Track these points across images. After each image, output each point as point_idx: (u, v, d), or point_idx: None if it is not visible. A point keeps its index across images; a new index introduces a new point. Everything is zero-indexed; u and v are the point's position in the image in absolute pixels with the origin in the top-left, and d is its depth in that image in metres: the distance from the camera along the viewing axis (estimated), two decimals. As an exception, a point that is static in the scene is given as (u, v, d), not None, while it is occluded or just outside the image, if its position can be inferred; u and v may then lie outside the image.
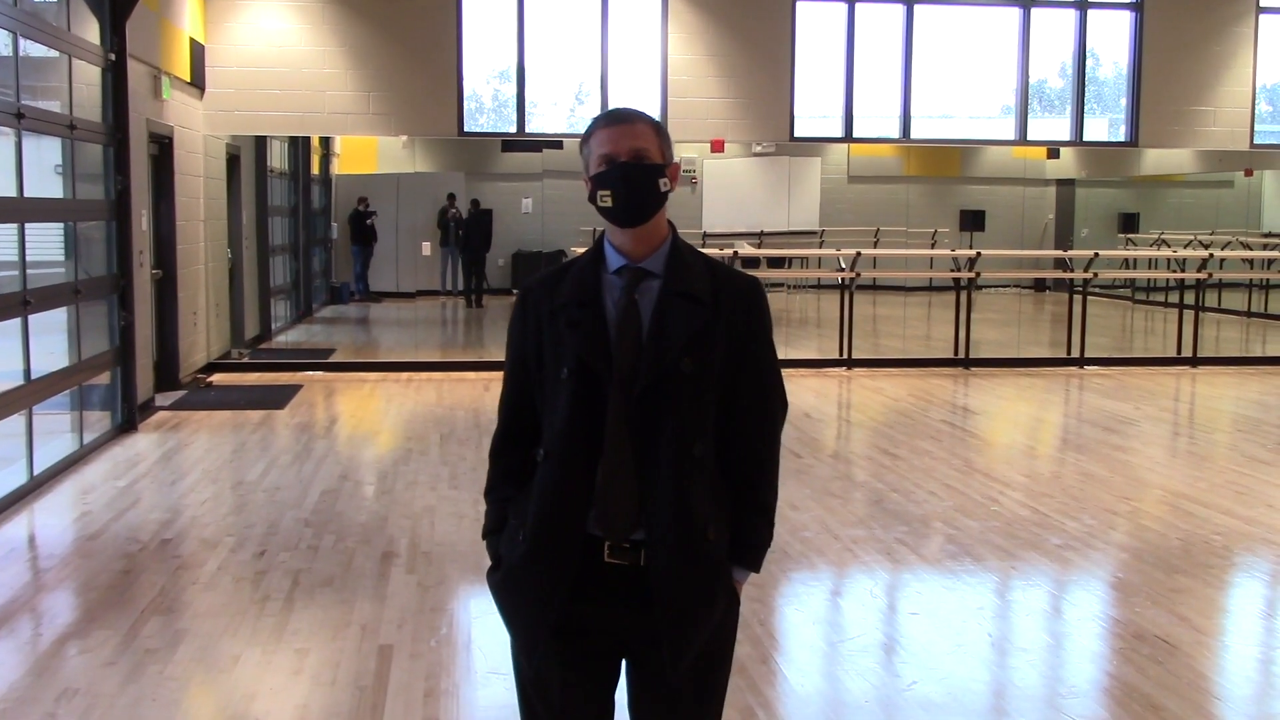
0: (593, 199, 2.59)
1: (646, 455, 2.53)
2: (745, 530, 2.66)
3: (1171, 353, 13.83)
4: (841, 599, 5.79)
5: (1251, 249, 17.44)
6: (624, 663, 2.69)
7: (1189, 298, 14.54)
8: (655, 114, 2.26)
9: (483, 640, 4.98)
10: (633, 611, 2.57)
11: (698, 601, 2.58)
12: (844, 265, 13.42)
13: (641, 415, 2.52)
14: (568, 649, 2.60)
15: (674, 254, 2.61)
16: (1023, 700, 4.53)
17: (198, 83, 12.10)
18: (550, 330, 2.59)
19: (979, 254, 13.76)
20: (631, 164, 2.56)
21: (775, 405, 2.71)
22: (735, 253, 13.75)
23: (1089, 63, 14.60)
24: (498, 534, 2.71)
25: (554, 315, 2.58)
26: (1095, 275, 14.13)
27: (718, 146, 13.92)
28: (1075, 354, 13.39)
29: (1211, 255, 14.76)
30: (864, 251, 13.97)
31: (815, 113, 14.18)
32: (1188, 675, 4.70)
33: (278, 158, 15.70)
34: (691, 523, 2.54)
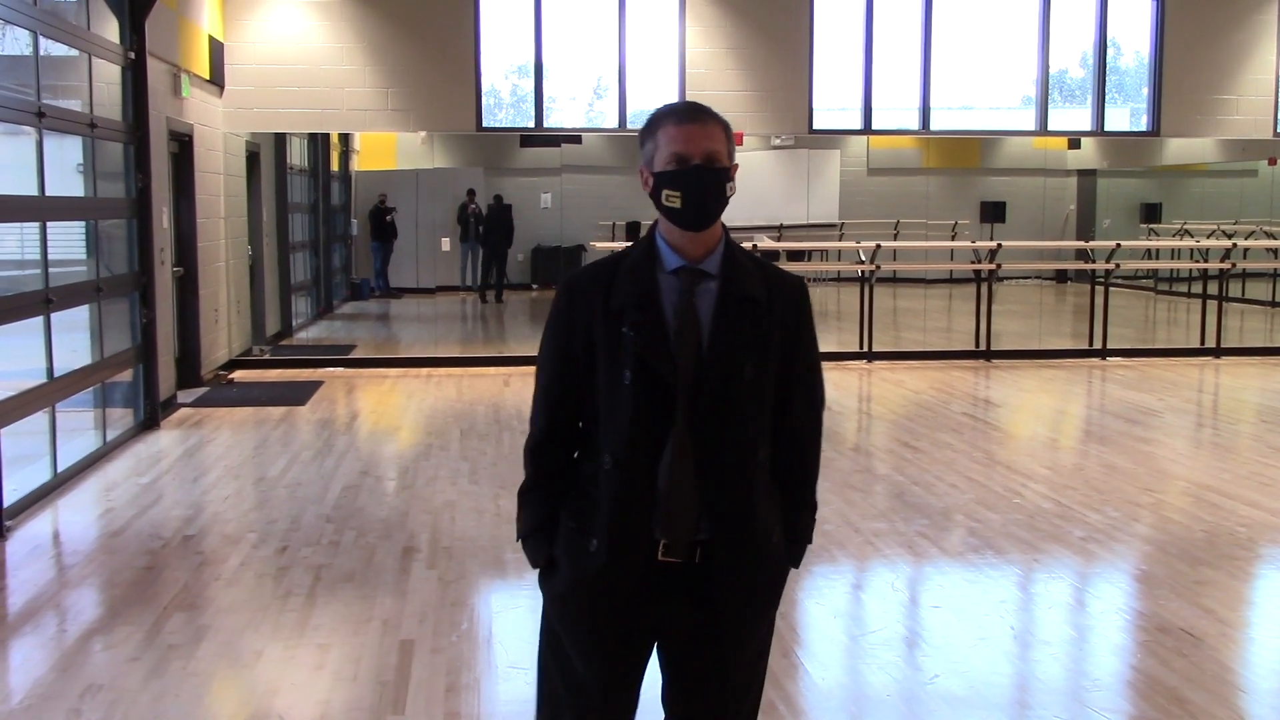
0: (654, 195, 2.49)
1: (708, 460, 2.48)
2: (793, 527, 2.66)
3: (1195, 343, 13.74)
4: (863, 592, 5.78)
5: (1276, 238, 17.27)
6: (656, 653, 2.66)
7: (1212, 288, 14.42)
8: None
9: (504, 635, 4.99)
10: (681, 608, 2.54)
11: (763, 604, 2.58)
12: (864, 258, 13.37)
13: (706, 421, 2.46)
14: (609, 653, 2.57)
15: (729, 255, 2.54)
16: (1046, 694, 4.50)
17: (217, 80, 12.14)
18: (604, 331, 2.49)
19: (1000, 245, 13.69)
20: (707, 168, 2.47)
21: (820, 404, 2.71)
22: (755, 246, 13.71)
23: (1110, 52, 14.49)
24: (541, 535, 2.61)
25: (609, 316, 2.48)
26: (1117, 266, 14.05)
27: (736, 139, 13.85)
28: (1097, 345, 13.32)
29: (1235, 245, 14.63)
30: (884, 244, 13.91)
31: (834, 105, 14.11)
32: (1212, 668, 4.66)
33: (297, 154, 15.75)
34: (758, 529, 2.53)
